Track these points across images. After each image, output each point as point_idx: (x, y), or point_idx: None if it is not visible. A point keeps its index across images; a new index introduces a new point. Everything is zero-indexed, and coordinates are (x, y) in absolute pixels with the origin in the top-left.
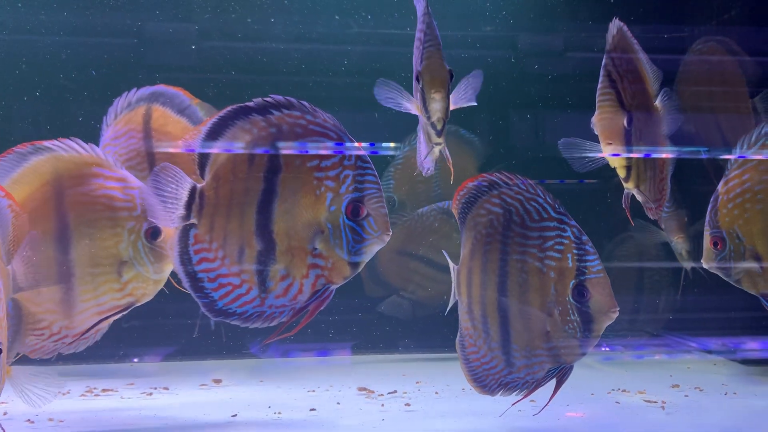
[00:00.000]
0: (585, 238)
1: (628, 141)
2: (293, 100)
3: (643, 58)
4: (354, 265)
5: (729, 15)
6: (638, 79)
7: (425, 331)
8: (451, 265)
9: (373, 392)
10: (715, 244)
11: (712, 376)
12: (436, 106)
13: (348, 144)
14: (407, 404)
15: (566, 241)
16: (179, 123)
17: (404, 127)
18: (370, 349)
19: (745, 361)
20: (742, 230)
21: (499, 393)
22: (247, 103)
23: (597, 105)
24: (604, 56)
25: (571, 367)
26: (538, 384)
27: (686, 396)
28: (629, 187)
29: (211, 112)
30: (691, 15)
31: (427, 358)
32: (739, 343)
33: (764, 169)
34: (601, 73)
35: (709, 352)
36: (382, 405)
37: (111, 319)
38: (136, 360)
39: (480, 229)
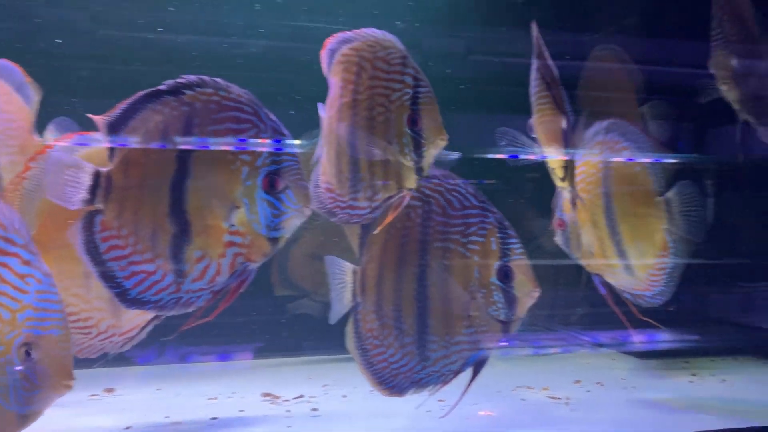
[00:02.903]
0: (507, 223)
1: (568, 142)
2: (206, 77)
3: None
4: (273, 240)
5: (625, 22)
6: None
7: (331, 332)
8: (349, 266)
9: (278, 398)
10: (559, 225)
11: (611, 371)
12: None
13: (264, 117)
14: (314, 409)
15: (489, 226)
16: (15, 101)
17: (307, 123)
18: (275, 351)
19: (642, 355)
20: (577, 216)
21: (411, 392)
22: (158, 87)
23: (535, 108)
24: (535, 61)
25: (488, 356)
26: (455, 374)
27: (588, 392)
28: (564, 186)
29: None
30: (593, 21)
31: (334, 360)
32: (627, 335)
33: (593, 164)
34: (535, 77)
35: (600, 345)
36: (288, 411)
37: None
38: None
39: (394, 223)
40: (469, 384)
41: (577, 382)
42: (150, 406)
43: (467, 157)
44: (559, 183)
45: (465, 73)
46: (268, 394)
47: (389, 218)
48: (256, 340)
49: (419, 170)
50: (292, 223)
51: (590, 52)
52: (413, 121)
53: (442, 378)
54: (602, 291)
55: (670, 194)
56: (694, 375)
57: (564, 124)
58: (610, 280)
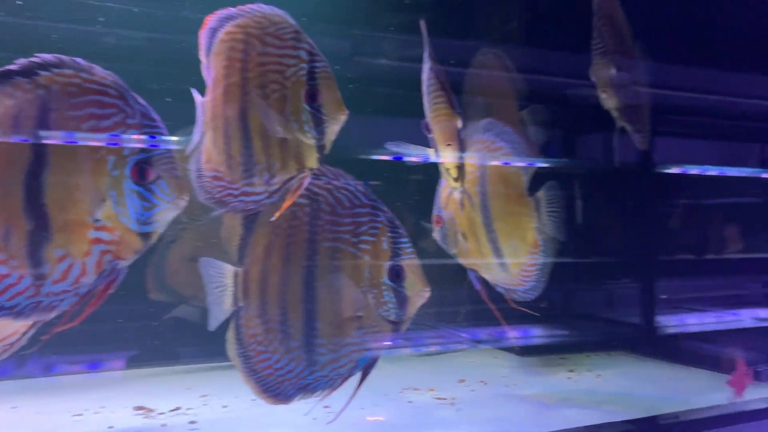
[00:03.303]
0: (397, 222)
1: (463, 142)
2: (64, 57)
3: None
4: (145, 236)
5: (509, 28)
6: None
7: (210, 338)
8: (230, 268)
9: (152, 411)
10: (437, 222)
11: (494, 369)
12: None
13: (131, 101)
14: (192, 422)
15: (380, 225)
16: None
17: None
18: (149, 360)
19: (523, 352)
20: (455, 214)
21: (298, 398)
22: (7, 67)
23: (431, 108)
24: (428, 60)
25: (378, 358)
26: (345, 378)
27: (473, 391)
28: (457, 185)
29: None
30: (476, 26)
31: (213, 368)
32: (503, 332)
33: (471, 164)
34: (429, 76)
35: (479, 342)
36: (164, 425)
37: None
38: None
39: (279, 222)
40: (358, 388)
41: (462, 381)
42: (5, 426)
43: (354, 158)
44: (452, 183)
45: (351, 73)
46: (141, 407)
47: (288, 202)
48: (129, 348)
49: (320, 148)
50: (165, 216)
51: (473, 57)
52: (312, 97)
53: (331, 383)
54: (477, 286)
55: (539, 194)
56: (571, 371)
57: (460, 123)
58: (486, 275)
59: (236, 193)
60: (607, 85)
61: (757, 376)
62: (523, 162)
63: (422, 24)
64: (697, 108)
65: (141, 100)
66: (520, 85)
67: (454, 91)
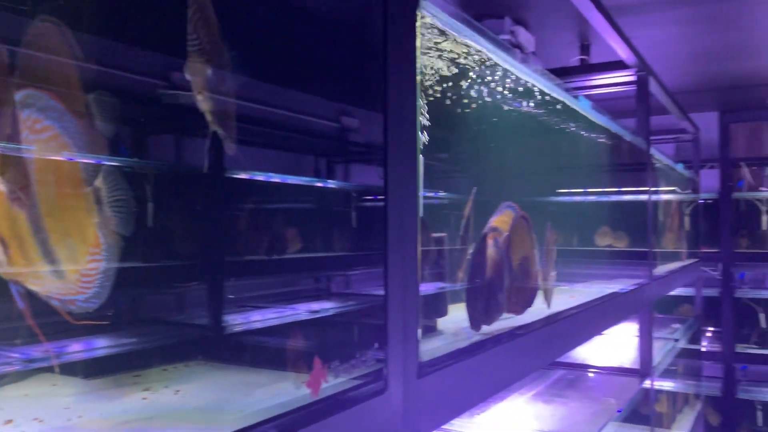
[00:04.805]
0: None
1: None
2: None
3: None
4: None
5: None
6: None
7: None
8: None
9: None
10: None
11: (52, 400)
12: None
13: None
14: None
15: None
16: None
17: None
18: None
19: (88, 375)
20: None
21: None
22: None
23: None
24: None
25: None
26: None
27: None
28: None
29: None
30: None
31: None
32: (64, 348)
33: None
34: None
35: (31, 361)
36: None
37: None
38: None
39: None
40: None
41: (9, 422)
42: None
43: None
44: None
45: None
46: None
47: None
48: None
49: None
50: None
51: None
52: None
53: None
54: (21, 305)
55: (98, 183)
56: (147, 390)
57: None
58: (35, 287)
59: None
60: (202, 87)
61: (334, 372)
62: (79, 148)
63: None
64: (266, 120)
65: None
66: (80, 57)
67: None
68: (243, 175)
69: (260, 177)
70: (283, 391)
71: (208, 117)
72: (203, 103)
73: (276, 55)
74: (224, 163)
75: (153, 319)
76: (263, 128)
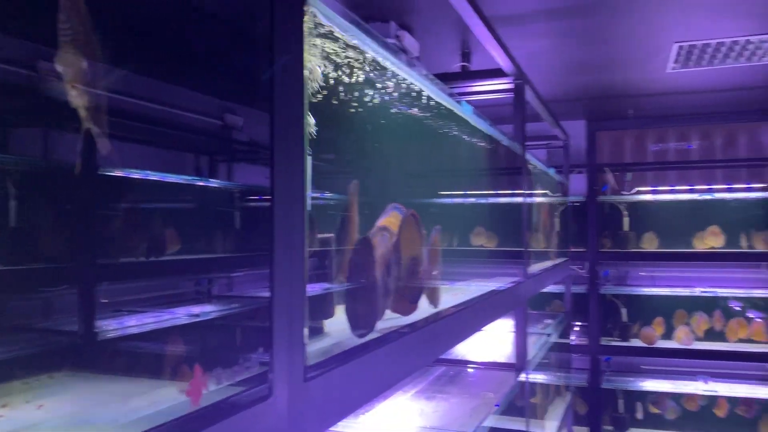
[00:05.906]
0: None
1: None
2: None
3: None
4: None
5: None
6: None
7: None
8: None
9: None
10: None
11: None
12: None
13: None
14: None
15: None
16: None
17: None
18: None
19: None
20: None
21: None
22: None
23: None
24: None
25: None
26: None
27: None
28: None
29: None
30: None
31: None
32: None
33: None
34: None
35: None
36: None
37: None
38: None
39: None
40: None
41: None
42: None
43: None
44: None
45: None
46: None
47: None
48: None
49: None
50: None
51: None
52: None
53: None
54: None
55: None
56: (4, 407)
57: None
58: None
59: None
60: (77, 80)
61: (217, 378)
62: None
63: None
64: (145, 115)
65: None
66: None
67: None
68: (118, 173)
69: (137, 175)
70: (161, 400)
71: (82, 112)
72: (76, 98)
73: (156, 48)
74: (97, 160)
75: (14, 327)
76: (141, 124)
